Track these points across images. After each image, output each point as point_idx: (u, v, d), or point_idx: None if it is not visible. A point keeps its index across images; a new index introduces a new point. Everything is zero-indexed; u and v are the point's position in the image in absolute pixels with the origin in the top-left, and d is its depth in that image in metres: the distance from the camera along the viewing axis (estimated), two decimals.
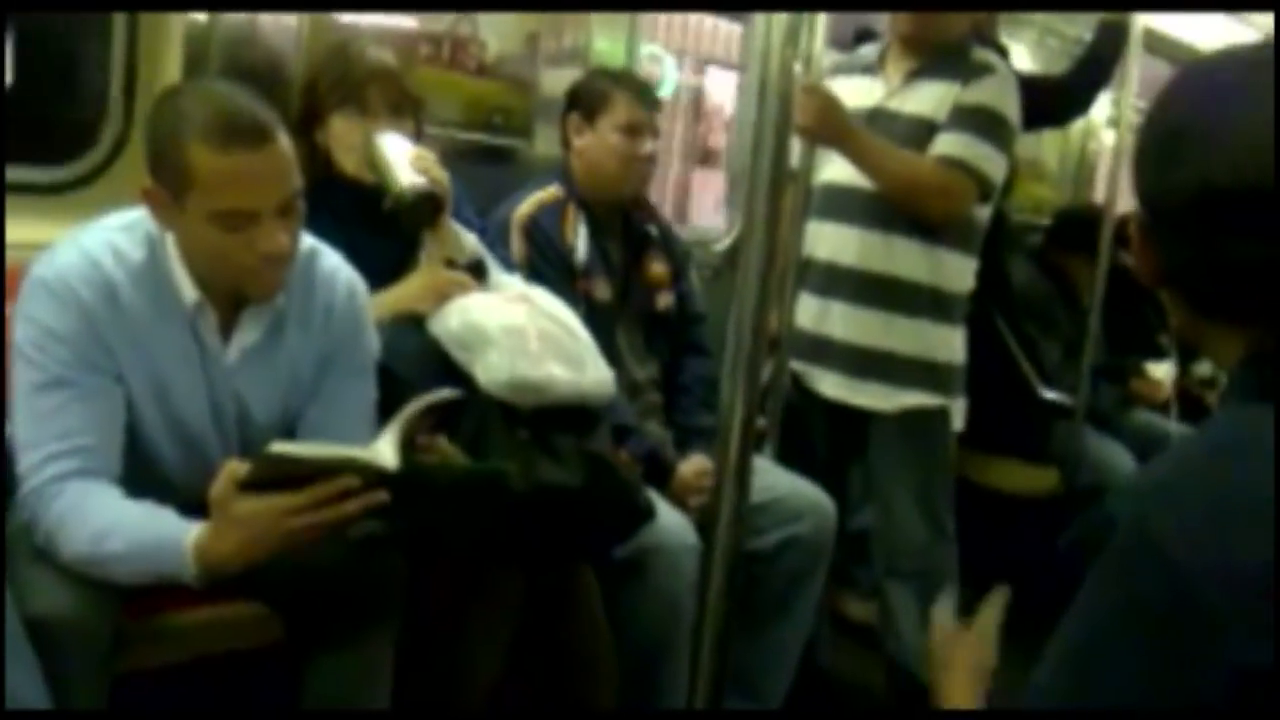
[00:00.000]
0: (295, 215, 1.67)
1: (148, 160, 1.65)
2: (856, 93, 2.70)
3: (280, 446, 1.55)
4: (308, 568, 1.68)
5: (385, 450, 1.58)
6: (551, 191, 2.50)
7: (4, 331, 1.69)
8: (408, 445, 1.63)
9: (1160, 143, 0.95)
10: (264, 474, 1.52)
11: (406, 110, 2.18)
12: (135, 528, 1.57)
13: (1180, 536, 0.83)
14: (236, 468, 1.54)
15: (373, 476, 1.54)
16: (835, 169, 2.67)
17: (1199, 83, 0.96)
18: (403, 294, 2.06)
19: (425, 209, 2.07)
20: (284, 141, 1.63)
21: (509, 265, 2.31)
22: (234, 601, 1.78)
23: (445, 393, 1.76)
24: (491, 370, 1.92)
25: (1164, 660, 0.82)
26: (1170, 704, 0.82)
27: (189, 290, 1.70)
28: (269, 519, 1.52)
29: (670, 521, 2.23)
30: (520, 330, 1.96)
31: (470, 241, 2.16)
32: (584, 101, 2.55)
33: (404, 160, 2.07)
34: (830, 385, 2.73)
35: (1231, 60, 0.97)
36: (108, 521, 1.56)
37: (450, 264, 2.09)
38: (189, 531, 1.56)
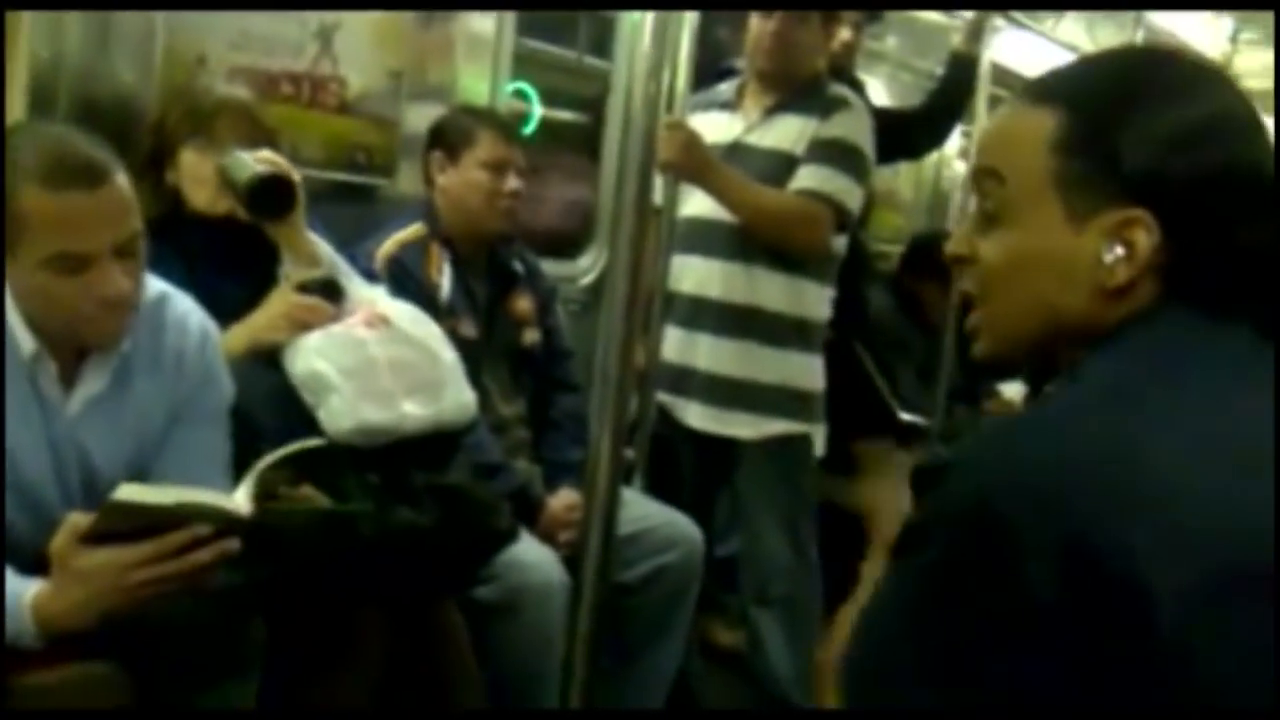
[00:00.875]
0: (136, 257, 1.62)
1: None
2: (715, 128, 2.77)
3: (125, 493, 1.49)
4: (159, 624, 1.64)
5: (237, 496, 1.56)
6: (414, 230, 2.50)
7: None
8: (266, 497, 1.60)
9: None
10: (109, 525, 1.48)
11: (258, 142, 2.12)
12: None
13: (1002, 476, 0.85)
14: (78, 520, 1.49)
15: (223, 524, 1.51)
16: (697, 203, 2.72)
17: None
18: (254, 325, 2.00)
19: (276, 195, 2.01)
20: (121, 181, 1.58)
21: (372, 278, 2.26)
22: (83, 662, 1.69)
23: (305, 443, 1.73)
24: (335, 417, 1.88)
25: (980, 596, 0.83)
26: (987, 633, 0.83)
27: (26, 340, 1.63)
28: (112, 572, 1.47)
29: (539, 558, 2.24)
30: (369, 365, 1.92)
31: (325, 253, 2.11)
32: (447, 139, 2.55)
33: (251, 160, 2.02)
34: (696, 416, 2.78)
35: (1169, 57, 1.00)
36: None
37: (303, 288, 2.03)
38: (27, 589, 1.50)
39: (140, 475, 1.76)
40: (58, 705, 1.69)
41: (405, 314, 2.08)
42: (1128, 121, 0.93)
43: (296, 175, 2.05)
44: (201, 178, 2.09)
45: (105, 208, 1.56)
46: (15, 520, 1.66)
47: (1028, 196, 0.96)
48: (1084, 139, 0.94)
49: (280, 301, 2.01)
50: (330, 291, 2.04)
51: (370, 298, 2.12)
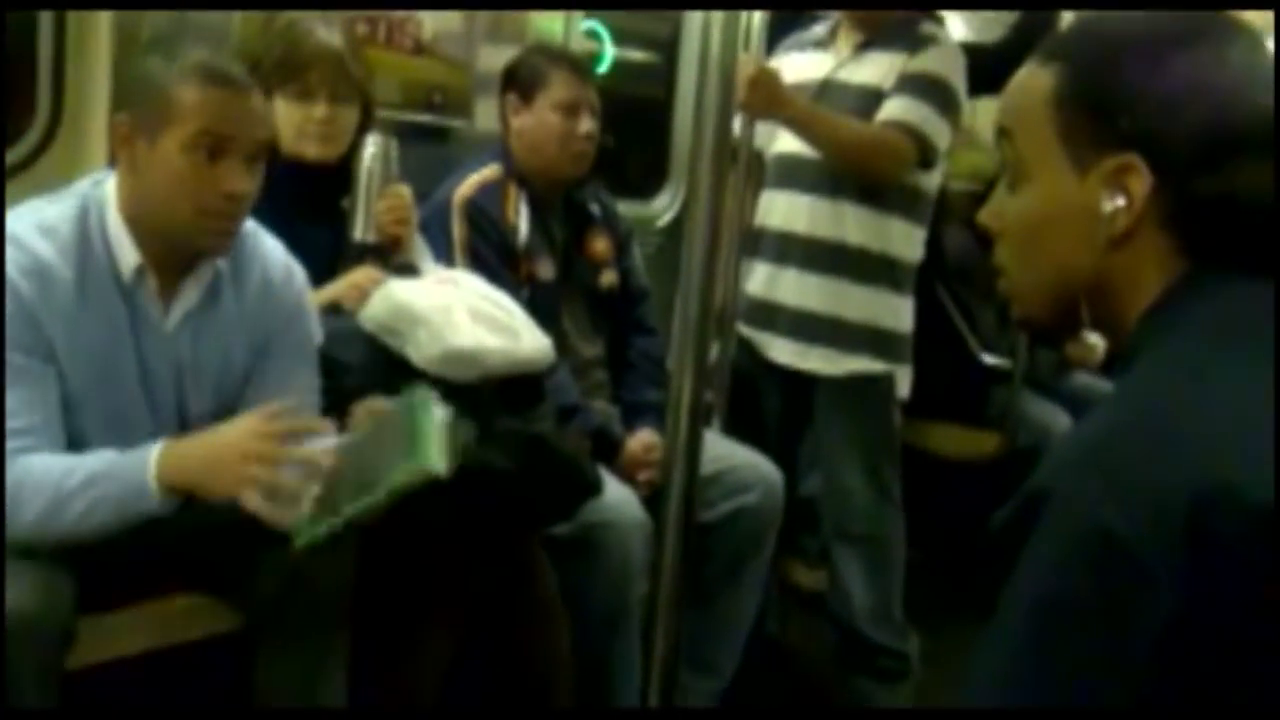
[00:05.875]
0: (260, 170, 1.72)
1: (127, 95, 1.73)
2: (808, 66, 2.76)
3: None
4: (261, 559, 1.68)
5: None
6: (491, 171, 2.49)
7: None
8: None
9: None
10: None
11: (349, 96, 2.17)
12: (94, 459, 1.61)
13: (1112, 499, 0.83)
14: None
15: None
16: (787, 140, 2.70)
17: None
18: (333, 289, 2.09)
19: (372, 253, 2.17)
20: (260, 98, 1.74)
21: (439, 254, 2.32)
22: (184, 594, 1.78)
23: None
24: (422, 347, 1.91)
25: (1106, 630, 0.82)
26: (1118, 672, 0.82)
27: (130, 254, 1.70)
28: (236, 433, 1.60)
29: (618, 498, 2.25)
30: (448, 308, 1.97)
31: (416, 241, 2.23)
32: (521, 81, 2.53)
33: (369, 206, 2.15)
34: (780, 351, 2.76)
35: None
36: (66, 465, 1.59)
37: (385, 267, 2.13)
38: (155, 447, 1.62)
39: (230, 404, 1.81)
40: (163, 634, 1.76)
41: (471, 279, 2.15)
42: (1121, 73, 0.96)
43: (405, 229, 2.19)
44: (293, 125, 2.15)
45: (252, 108, 1.71)
46: (105, 439, 1.69)
47: (1035, 150, 1.01)
48: (1080, 91, 0.98)
49: (361, 274, 2.10)
50: (408, 273, 2.15)
51: (436, 269, 2.23)
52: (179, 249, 1.72)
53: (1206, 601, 0.80)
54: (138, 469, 1.59)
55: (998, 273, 1.09)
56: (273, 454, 1.60)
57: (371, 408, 1.86)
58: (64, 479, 1.57)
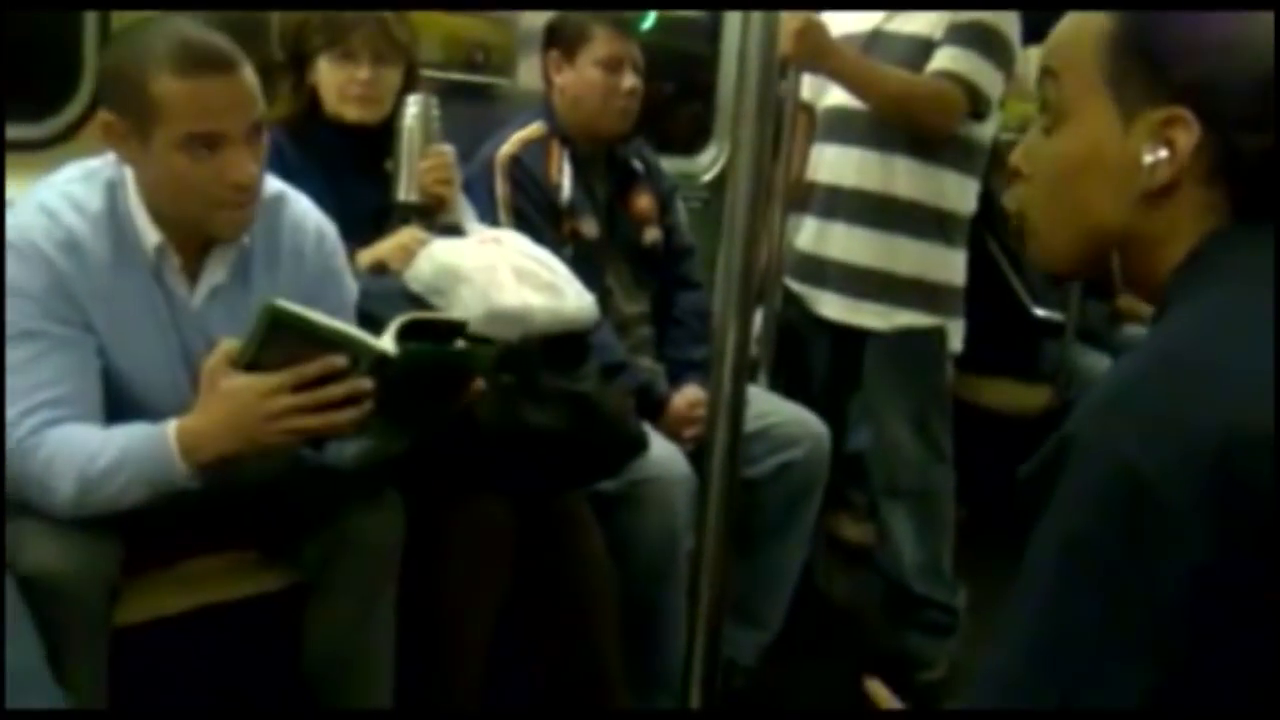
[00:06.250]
0: (261, 143, 1.66)
1: (107, 94, 1.64)
2: (858, 16, 2.71)
3: (284, 303, 1.55)
4: (307, 513, 1.69)
5: (383, 339, 1.60)
6: (534, 129, 2.49)
7: None
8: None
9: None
10: (263, 334, 1.53)
11: (392, 58, 2.18)
12: (121, 437, 1.58)
13: (1139, 440, 0.83)
14: (232, 344, 1.56)
15: (369, 357, 1.55)
16: (837, 93, 2.67)
17: None
18: (379, 249, 2.10)
19: (416, 214, 2.18)
20: (247, 70, 1.63)
21: (484, 213, 2.32)
22: (232, 552, 1.81)
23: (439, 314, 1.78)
24: (467, 306, 1.92)
25: (1132, 574, 0.82)
26: (1139, 616, 0.82)
27: (150, 233, 1.67)
28: (252, 395, 1.53)
29: (663, 454, 2.26)
30: (492, 267, 1.97)
31: (459, 200, 2.24)
32: (562, 37, 2.52)
33: (412, 167, 2.16)
34: (830, 306, 2.75)
35: None
36: (95, 445, 1.56)
37: (429, 227, 2.13)
38: (170, 423, 1.57)
39: None
40: (210, 592, 1.79)
41: (517, 237, 2.16)
42: (1177, 24, 0.95)
43: (448, 190, 2.19)
44: (335, 87, 2.17)
45: (238, 92, 1.61)
46: (141, 412, 1.67)
47: (1080, 94, 0.99)
48: (1136, 38, 0.96)
49: (406, 235, 2.11)
50: (452, 233, 2.15)
51: (481, 229, 2.23)
52: (195, 233, 1.70)
53: (1236, 549, 0.79)
54: (162, 453, 1.56)
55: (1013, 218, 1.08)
56: (292, 404, 1.54)
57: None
58: (92, 460, 1.54)
